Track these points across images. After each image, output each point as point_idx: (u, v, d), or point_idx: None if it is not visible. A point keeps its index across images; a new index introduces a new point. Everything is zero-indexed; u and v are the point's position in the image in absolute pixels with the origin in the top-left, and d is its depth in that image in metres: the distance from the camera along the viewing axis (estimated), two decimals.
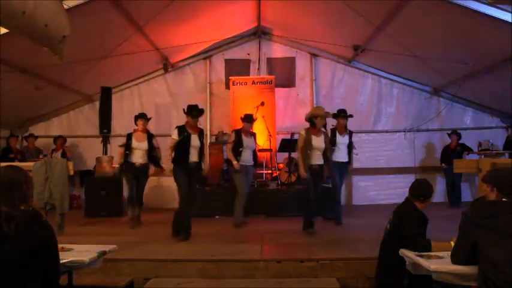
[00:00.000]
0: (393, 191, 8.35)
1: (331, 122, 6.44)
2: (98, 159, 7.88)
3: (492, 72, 6.90)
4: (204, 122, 8.64)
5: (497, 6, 5.20)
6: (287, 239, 5.33)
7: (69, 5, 4.88)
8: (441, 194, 8.45)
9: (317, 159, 5.42)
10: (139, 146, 6.21)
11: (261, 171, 7.90)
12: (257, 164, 6.49)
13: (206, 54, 9.32)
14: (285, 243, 5.10)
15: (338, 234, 5.56)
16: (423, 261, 2.61)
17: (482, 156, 7.48)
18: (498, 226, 2.24)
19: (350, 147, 6.40)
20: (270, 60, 9.42)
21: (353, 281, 4.05)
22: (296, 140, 5.94)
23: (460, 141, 8.31)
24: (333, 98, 9.04)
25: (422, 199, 3.19)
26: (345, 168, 6.32)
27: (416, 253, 2.79)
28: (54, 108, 9.11)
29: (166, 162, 5.56)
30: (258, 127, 7.91)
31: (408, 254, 2.85)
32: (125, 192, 6.92)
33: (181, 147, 5.28)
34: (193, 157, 5.33)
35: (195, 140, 5.33)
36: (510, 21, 5.20)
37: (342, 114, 6.33)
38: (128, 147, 6.21)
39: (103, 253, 2.92)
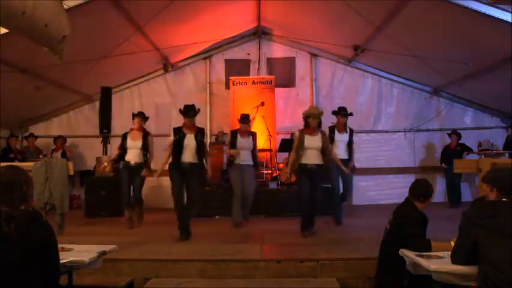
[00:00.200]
0: (393, 191, 8.35)
1: (331, 120, 6.43)
2: (98, 159, 7.88)
3: (492, 72, 6.90)
4: (204, 122, 8.65)
5: (497, 6, 5.20)
6: (287, 239, 5.33)
7: (69, 5, 4.88)
8: (441, 194, 8.45)
9: (313, 158, 5.34)
10: (134, 145, 6.15)
11: (261, 171, 7.90)
12: (257, 163, 6.39)
13: (206, 54, 9.32)
14: (285, 243, 5.09)
15: (338, 234, 5.56)
16: (423, 261, 2.60)
17: (482, 156, 7.49)
18: (498, 226, 2.24)
19: (350, 144, 6.34)
20: (270, 60, 9.42)
21: (353, 281, 4.05)
22: None
23: (460, 141, 8.32)
24: (333, 98, 9.04)
25: (422, 199, 3.19)
26: (345, 166, 6.20)
27: (416, 253, 2.79)
28: (54, 108, 9.11)
29: (162, 164, 5.52)
30: (258, 127, 7.92)
31: (408, 254, 2.85)
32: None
33: (175, 148, 5.29)
34: (188, 157, 5.28)
35: (189, 140, 5.29)
36: (510, 21, 5.20)
37: (341, 112, 6.29)
38: (122, 147, 6.18)
39: (103, 253, 2.91)
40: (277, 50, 9.45)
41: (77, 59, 6.21)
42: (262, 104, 8.19)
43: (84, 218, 7.27)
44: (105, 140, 8.00)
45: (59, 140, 8.52)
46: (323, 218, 6.05)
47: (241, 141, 6.02)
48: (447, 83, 8.38)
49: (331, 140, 6.13)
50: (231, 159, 6.06)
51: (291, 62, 9.39)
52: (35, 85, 7.19)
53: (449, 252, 2.53)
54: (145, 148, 6.19)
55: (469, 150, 8.25)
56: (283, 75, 9.29)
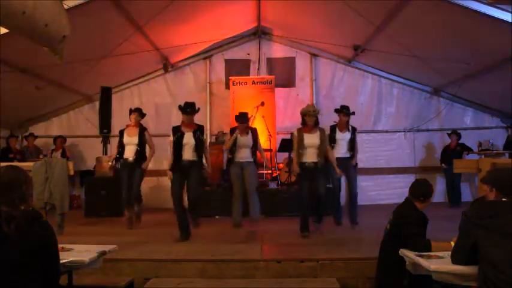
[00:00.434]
0: (393, 191, 8.36)
1: (332, 119, 6.43)
2: (98, 159, 7.89)
3: (492, 72, 6.90)
4: (204, 122, 8.60)
5: (497, 6, 5.20)
6: (287, 239, 5.33)
7: (69, 5, 4.87)
8: (441, 194, 8.45)
9: (311, 157, 5.33)
10: (131, 141, 6.10)
11: (261, 171, 7.90)
12: (256, 161, 6.22)
13: (206, 54, 9.33)
14: (285, 243, 5.09)
15: (338, 234, 5.56)
16: (423, 261, 2.61)
17: (482, 156, 7.50)
18: (498, 226, 2.24)
19: (352, 143, 6.24)
20: (270, 60, 9.43)
21: (353, 281, 4.05)
22: None
23: (460, 141, 8.32)
24: (333, 98, 9.03)
25: (422, 199, 3.19)
26: (347, 164, 6.13)
27: (416, 253, 2.79)
28: (54, 108, 9.11)
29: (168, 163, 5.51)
30: (258, 127, 7.86)
31: (408, 254, 2.85)
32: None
33: (175, 147, 5.27)
34: (187, 155, 5.25)
35: (188, 138, 5.26)
36: (510, 21, 5.20)
37: (343, 111, 6.20)
38: (120, 144, 6.15)
39: (103, 253, 2.92)
40: (277, 50, 9.45)
41: (77, 59, 6.20)
42: (262, 104, 8.19)
43: (84, 218, 7.27)
44: (105, 140, 8.01)
45: (59, 139, 8.52)
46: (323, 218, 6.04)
47: (240, 139, 5.93)
48: (447, 83, 8.38)
49: (333, 139, 6.10)
50: (230, 158, 5.96)
51: (291, 62, 9.39)
52: (35, 85, 7.18)
53: (449, 252, 2.54)
54: (142, 145, 6.13)
55: (469, 150, 8.25)
56: (283, 75, 9.29)
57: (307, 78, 9.35)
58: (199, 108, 5.49)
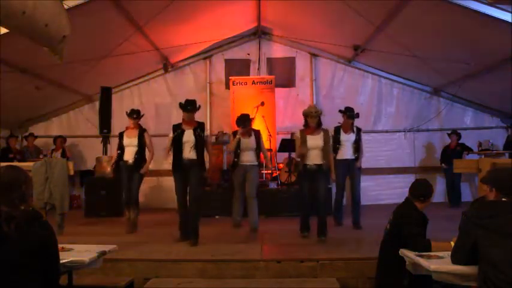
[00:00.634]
0: (393, 191, 8.36)
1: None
2: (98, 159, 7.89)
3: (492, 72, 6.90)
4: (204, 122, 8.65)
5: (497, 6, 5.20)
6: (287, 239, 5.33)
7: (69, 5, 4.87)
8: (441, 194, 8.46)
9: (314, 158, 5.27)
10: (130, 143, 6.04)
11: (261, 171, 7.89)
12: (259, 162, 6.14)
13: (206, 54, 9.33)
14: (285, 243, 5.10)
15: (338, 234, 5.55)
16: (423, 261, 2.61)
17: (482, 156, 7.50)
18: (498, 226, 2.24)
19: (357, 144, 6.18)
20: (270, 60, 9.42)
21: (353, 281, 4.06)
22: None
23: (460, 141, 8.32)
24: (333, 98, 9.04)
25: (422, 199, 3.19)
26: (352, 166, 6.13)
27: (416, 253, 2.79)
28: (54, 108, 9.11)
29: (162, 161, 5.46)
30: (258, 127, 7.88)
31: (408, 254, 2.85)
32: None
33: (175, 145, 5.24)
34: (187, 153, 5.20)
35: (188, 136, 5.21)
36: (510, 21, 5.20)
37: (347, 113, 6.14)
38: (120, 146, 6.11)
39: (103, 253, 2.92)
40: (277, 50, 9.45)
41: (77, 59, 6.20)
42: (262, 104, 8.19)
43: (84, 218, 7.28)
44: (105, 140, 8.01)
45: (59, 139, 8.52)
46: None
47: (243, 141, 5.89)
48: (447, 83, 8.38)
49: (337, 140, 6.06)
50: (236, 161, 5.90)
51: (291, 62, 9.39)
52: (35, 85, 7.18)
53: (449, 252, 2.54)
54: (142, 146, 6.06)
55: (469, 150, 8.25)
56: (283, 75, 9.29)
57: (307, 78, 9.35)
58: (200, 106, 5.44)
